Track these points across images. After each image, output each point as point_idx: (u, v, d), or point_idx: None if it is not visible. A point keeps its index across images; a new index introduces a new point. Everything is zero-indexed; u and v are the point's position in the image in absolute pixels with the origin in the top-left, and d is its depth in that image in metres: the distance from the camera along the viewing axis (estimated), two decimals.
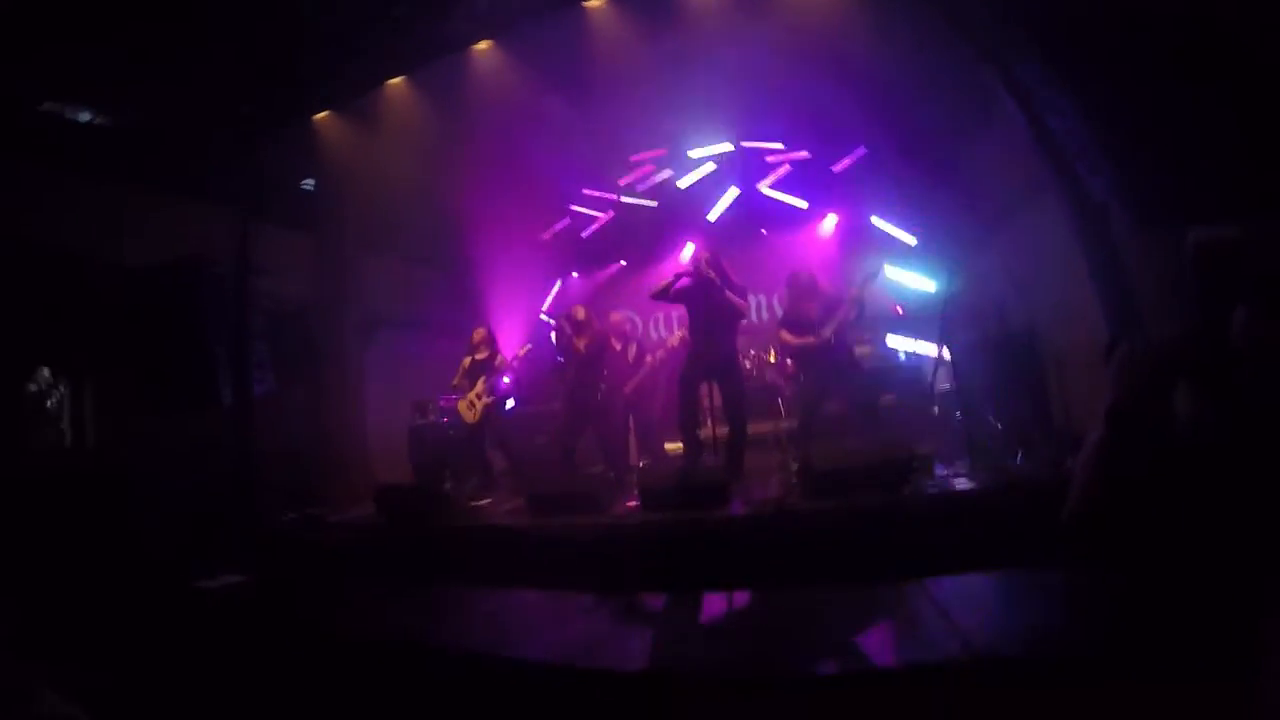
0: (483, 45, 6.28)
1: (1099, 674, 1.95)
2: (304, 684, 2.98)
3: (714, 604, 3.28)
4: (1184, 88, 3.45)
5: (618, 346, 6.23)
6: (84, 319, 5.67)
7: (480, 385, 6.26)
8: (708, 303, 5.11)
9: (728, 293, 5.07)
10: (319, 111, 6.80)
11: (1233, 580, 1.88)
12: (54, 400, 5.95)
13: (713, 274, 5.05)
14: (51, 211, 5.52)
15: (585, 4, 5.96)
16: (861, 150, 7.62)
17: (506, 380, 6.52)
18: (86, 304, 5.65)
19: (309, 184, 7.69)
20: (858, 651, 2.40)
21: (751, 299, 9.04)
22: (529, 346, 6.59)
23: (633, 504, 4.72)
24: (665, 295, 5.33)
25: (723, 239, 8.49)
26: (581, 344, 5.76)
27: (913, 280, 7.25)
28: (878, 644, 2.47)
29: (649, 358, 6.46)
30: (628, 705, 2.41)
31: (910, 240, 7.58)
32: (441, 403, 7.36)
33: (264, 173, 6.54)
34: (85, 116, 6.10)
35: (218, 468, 5.56)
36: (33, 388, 5.86)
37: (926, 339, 6.28)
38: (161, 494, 5.13)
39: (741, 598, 3.31)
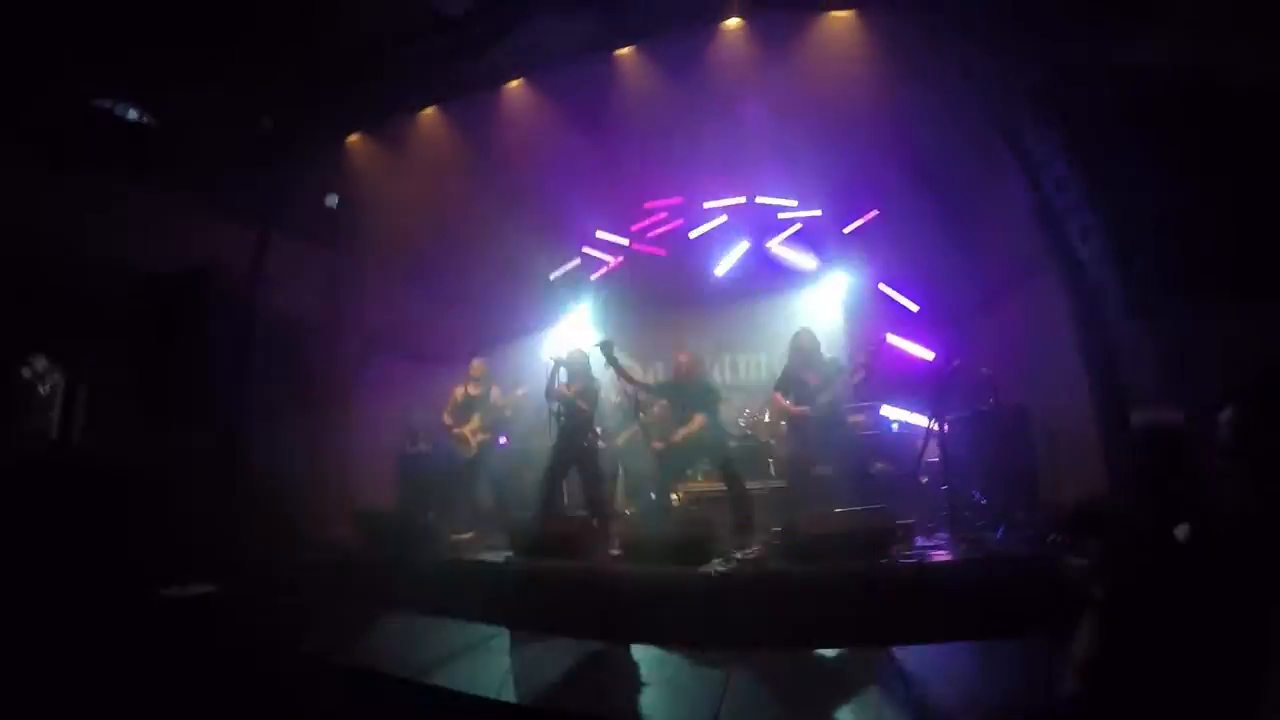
0: (514, 83, 6.53)
1: None
2: (255, 698, 2.95)
3: (681, 658, 3.26)
4: (1189, 178, 3.53)
5: (615, 399, 6.25)
6: (88, 317, 5.72)
7: (476, 420, 6.28)
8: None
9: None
10: (351, 133, 7.04)
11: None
12: (46, 388, 5.97)
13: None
14: (71, 211, 5.63)
15: (615, 52, 6.20)
16: (874, 213, 7.73)
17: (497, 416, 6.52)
18: (92, 302, 5.70)
19: (333, 200, 7.85)
20: (814, 714, 2.38)
21: (751, 357, 9.25)
22: (525, 390, 6.59)
23: (615, 553, 4.71)
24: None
25: (727, 295, 8.66)
26: (573, 390, 5.80)
27: (912, 350, 7.29)
28: (833, 708, 2.44)
29: (642, 414, 6.49)
30: None
31: (913, 308, 7.65)
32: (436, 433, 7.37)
33: (292, 186, 6.69)
34: (133, 115, 6.27)
35: (202, 476, 5.55)
36: (26, 373, 5.89)
37: (920, 410, 6.29)
38: (142, 497, 5.11)
39: (708, 655, 3.27)
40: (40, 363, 5.79)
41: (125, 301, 5.57)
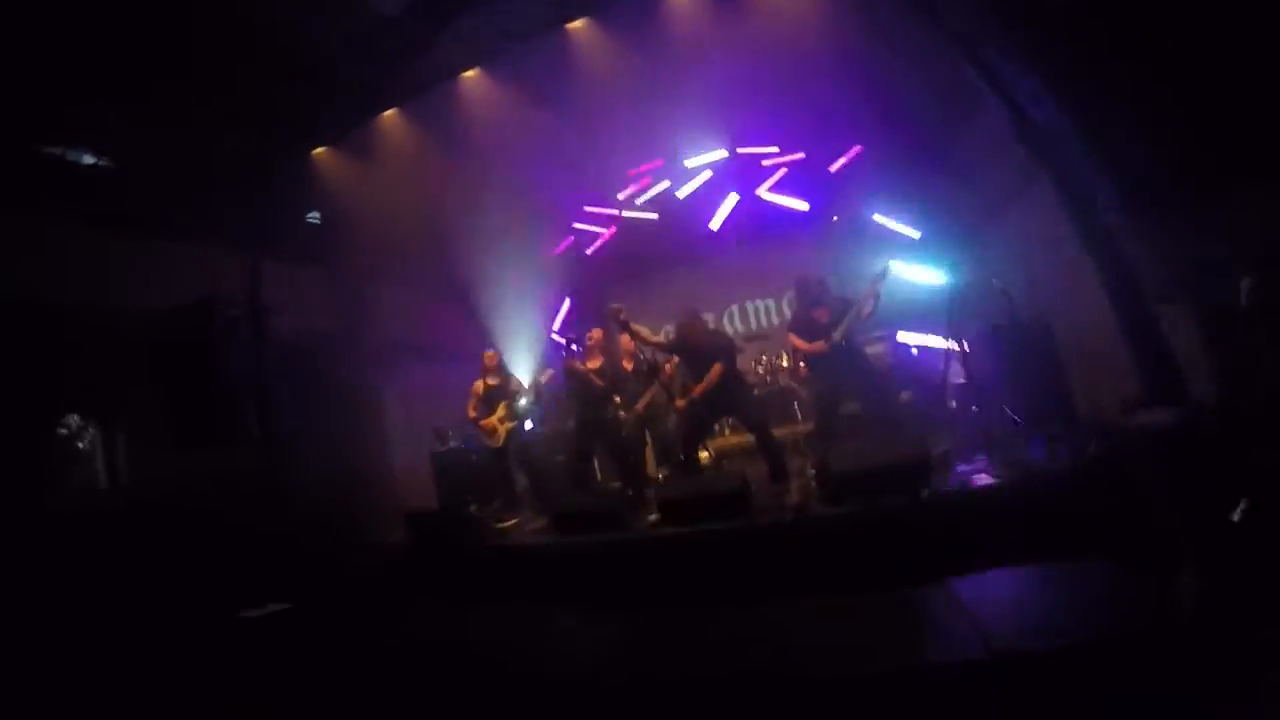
0: (470, 73, 6.41)
1: (1117, 665, 1.96)
2: (343, 703, 3.05)
3: (738, 613, 3.30)
4: (1160, 72, 3.47)
5: (629, 366, 6.25)
6: (107, 364, 5.79)
7: (501, 410, 6.33)
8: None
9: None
10: (315, 148, 6.96)
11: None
12: (85, 442, 6.10)
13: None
14: (64, 261, 5.64)
15: (568, 26, 6.06)
16: (858, 148, 7.64)
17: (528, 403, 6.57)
18: (108, 350, 5.77)
19: (314, 217, 7.82)
20: (880, 654, 2.41)
21: (760, 304, 9.23)
22: (550, 372, 6.60)
23: (654, 517, 4.76)
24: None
25: (727, 246, 8.61)
26: (593, 364, 5.82)
27: (921, 275, 7.23)
28: (900, 646, 2.46)
29: (660, 373, 6.49)
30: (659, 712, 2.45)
31: (914, 235, 7.57)
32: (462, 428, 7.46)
33: (269, 211, 6.65)
34: (88, 159, 6.23)
35: (252, 501, 5.67)
36: (63, 431, 6.01)
37: (938, 333, 6.26)
38: (200, 528, 5.26)
39: (765, 605, 3.32)
40: (73, 420, 5.90)
41: (140, 341, 5.61)
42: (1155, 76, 3.59)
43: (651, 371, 6.04)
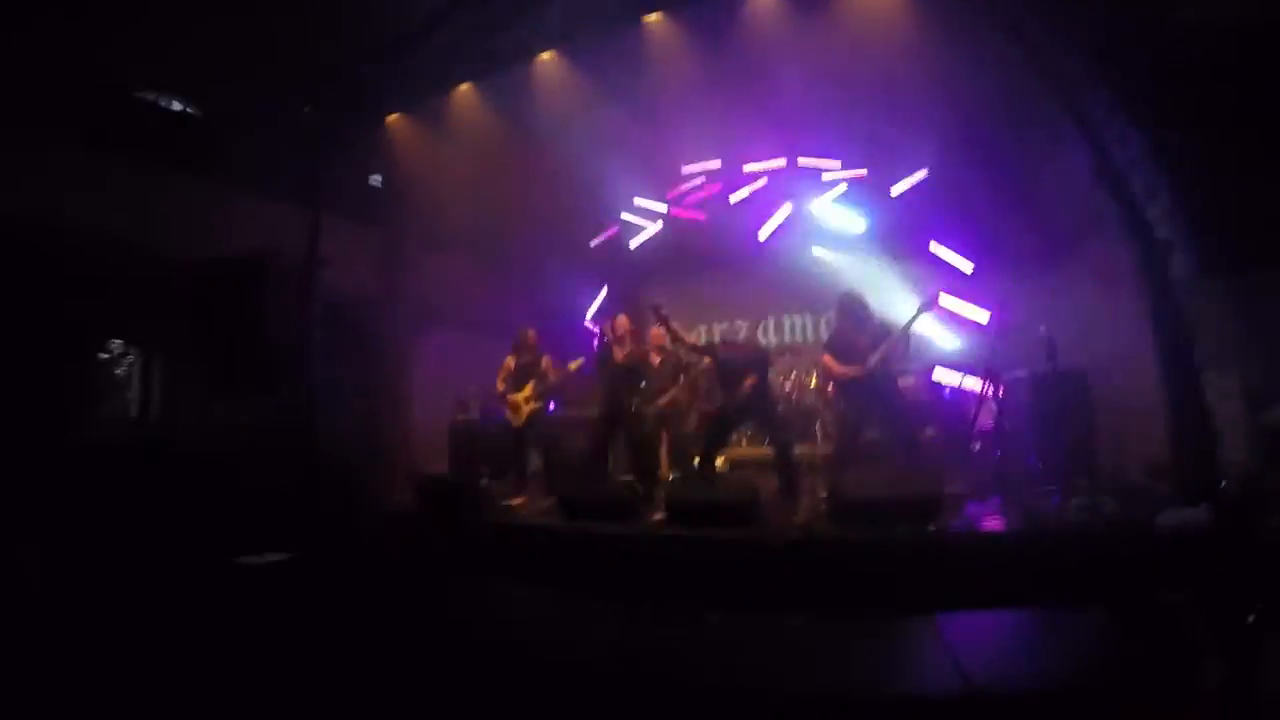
0: (546, 55, 6.50)
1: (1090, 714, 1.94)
2: (328, 661, 3.14)
3: (726, 620, 3.32)
4: (1254, 133, 3.35)
5: (656, 360, 6.26)
6: (157, 300, 6.04)
7: (529, 389, 6.40)
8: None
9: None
10: (391, 113, 7.13)
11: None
12: (123, 369, 6.35)
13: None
14: (130, 202, 5.93)
15: (645, 19, 6.10)
16: (923, 172, 7.49)
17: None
18: (160, 287, 6.01)
19: (376, 180, 8.02)
20: (857, 677, 2.41)
21: (797, 318, 9.15)
22: (581, 360, 6.65)
23: (660, 516, 4.78)
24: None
25: (773, 257, 8.54)
26: (621, 354, 5.85)
27: (966, 311, 7.08)
28: (877, 674, 2.46)
29: (683, 375, 6.49)
30: (623, 712, 2.49)
31: (967, 268, 7.40)
32: (487, 400, 7.57)
33: (337, 169, 6.85)
34: (177, 105, 6.52)
35: (275, 453, 5.85)
36: (104, 355, 6.27)
37: (974, 373, 6.13)
38: (220, 472, 5.44)
39: (755, 616, 3.33)
40: (116, 345, 6.16)
41: (192, 285, 5.83)
42: (1251, 142, 3.48)
43: (677, 370, 6.05)
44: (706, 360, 6.06)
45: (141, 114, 6.34)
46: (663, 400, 6.23)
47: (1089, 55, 4.20)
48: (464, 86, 6.88)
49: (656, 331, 6.43)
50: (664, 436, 6.50)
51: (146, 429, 6.06)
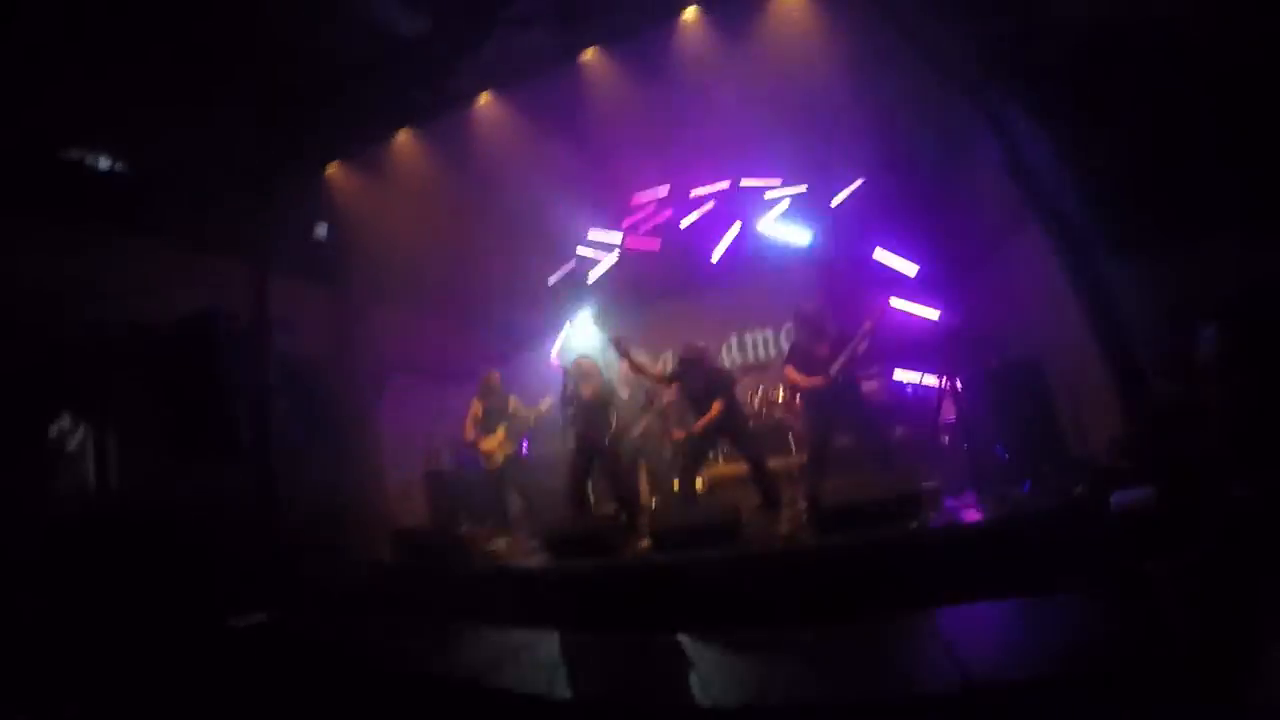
0: (484, 98, 6.58)
1: (1089, 697, 1.99)
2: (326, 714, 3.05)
3: (724, 640, 3.32)
4: (1154, 114, 3.59)
5: (625, 394, 6.30)
6: (105, 369, 5.81)
7: (501, 433, 6.35)
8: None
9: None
10: (328, 163, 7.09)
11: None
12: (74, 444, 6.08)
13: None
14: (68, 263, 5.70)
15: (580, 57, 6.26)
16: (859, 182, 7.77)
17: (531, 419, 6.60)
18: (106, 354, 5.79)
19: (322, 232, 7.93)
20: (857, 684, 2.44)
21: (759, 335, 9.31)
22: (551, 400, 6.63)
23: (646, 544, 4.78)
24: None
25: (728, 276, 8.71)
26: (589, 390, 5.87)
27: (917, 311, 7.32)
28: (878, 675, 2.50)
29: (654, 402, 6.54)
30: None
31: (911, 271, 7.66)
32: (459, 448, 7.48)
33: (276, 224, 6.75)
34: (104, 164, 6.33)
35: (243, 513, 5.66)
36: (53, 432, 6.00)
37: (932, 371, 6.33)
38: (189, 537, 5.25)
39: (751, 634, 3.34)
40: (64, 420, 5.90)
41: (138, 350, 5.65)
42: (1150, 119, 3.71)
43: (648, 399, 6.07)
44: (673, 386, 6.13)
45: (69, 174, 6.12)
46: (636, 431, 6.26)
47: (986, 54, 4.45)
48: (402, 134, 6.90)
49: (625, 364, 6.48)
50: (642, 465, 6.51)
51: (107, 501, 5.80)
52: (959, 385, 4.96)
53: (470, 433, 6.47)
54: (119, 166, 6.34)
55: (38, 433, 5.75)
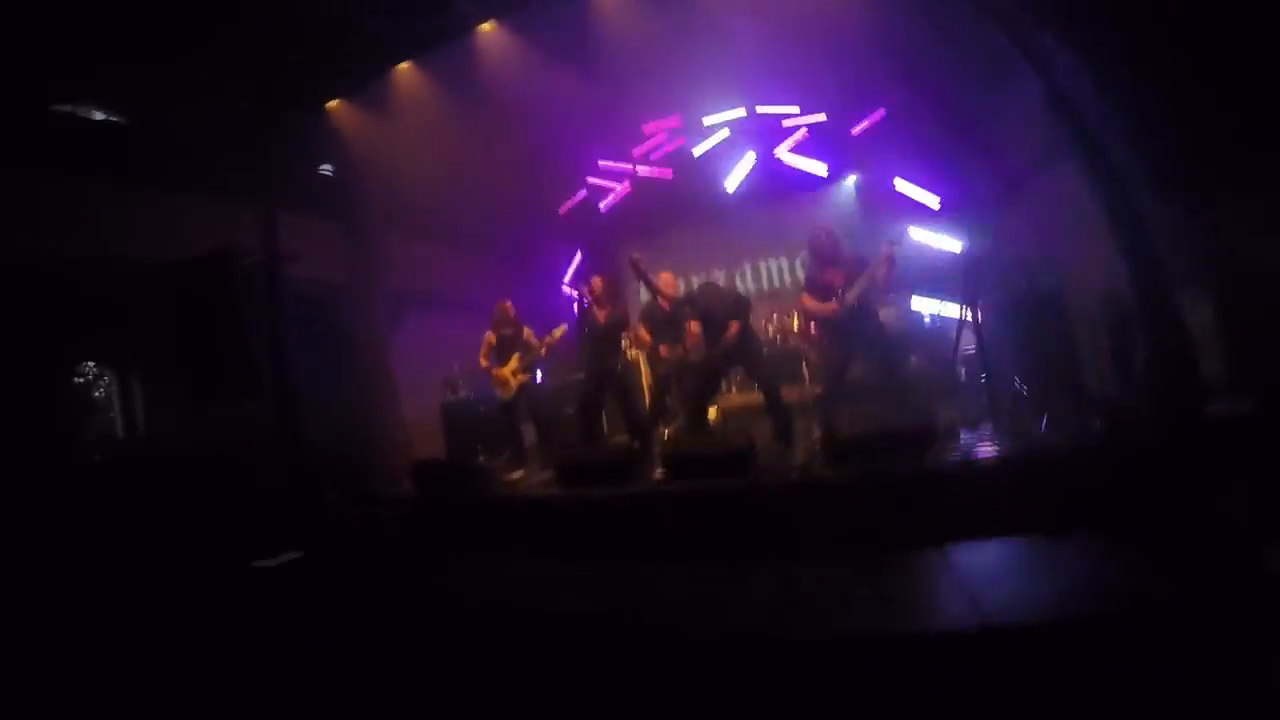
0: (487, 26, 6.25)
1: (1106, 639, 2.00)
2: (354, 649, 3.19)
3: (734, 570, 3.38)
4: (1200, 54, 3.36)
5: (665, 305, 6.14)
6: (123, 315, 5.86)
7: (514, 362, 6.35)
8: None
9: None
10: (329, 100, 6.86)
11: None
12: (101, 391, 6.22)
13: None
14: (79, 215, 5.68)
15: None
16: (880, 112, 7.47)
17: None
18: (123, 300, 5.83)
19: (327, 169, 7.78)
20: (873, 617, 2.47)
21: (773, 263, 9.16)
22: (564, 328, 6.59)
23: (659, 473, 4.83)
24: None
25: (742, 204, 8.50)
26: (601, 315, 5.82)
27: (938, 241, 7.14)
28: (891, 611, 2.52)
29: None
30: (652, 664, 2.55)
31: (934, 202, 7.44)
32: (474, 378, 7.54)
33: (280, 163, 6.61)
34: (99, 115, 6.20)
35: (266, 452, 5.79)
36: (79, 380, 6.11)
37: (952, 301, 6.21)
38: (213, 478, 5.39)
39: (762, 564, 3.40)
40: (89, 368, 6.00)
41: (155, 293, 5.66)
42: (1199, 62, 3.48)
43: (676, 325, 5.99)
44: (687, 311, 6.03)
45: (62, 127, 6.01)
46: (665, 350, 6.16)
47: None
48: (403, 66, 6.59)
49: (668, 275, 6.36)
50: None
51: (135, 445, 5.96)
52: (979, 317, 4.85)
53: (484, 361, 6.48)
54: (111, 117, 6.20)
55: (62, 381, 5.86)
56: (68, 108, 6.02)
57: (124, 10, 5.16)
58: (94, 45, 5.38)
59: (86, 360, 6.09)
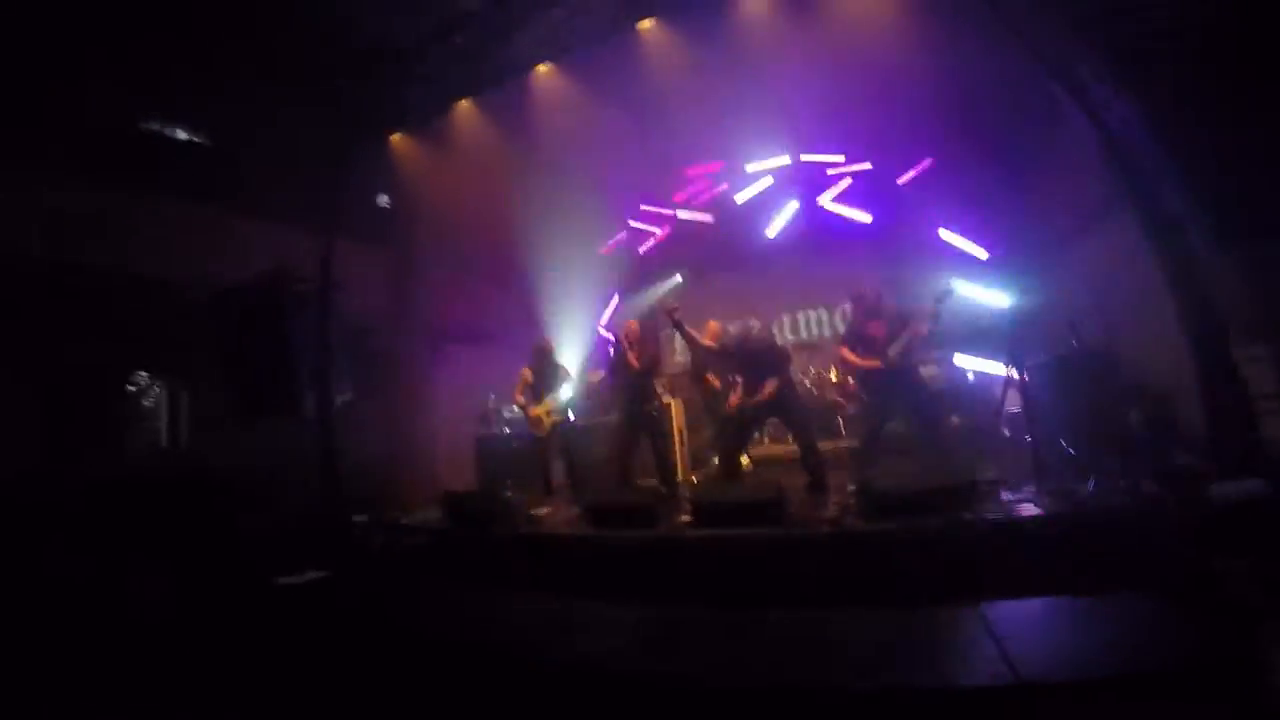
0: (543, 68, 6.52)
1: (1141, 697, 1.89)
2: (369, 674, 3.16)
3: (765, 619, 3.27)
4: (1260, 100, 3.28)
5: (679, 359, 6.21)
6: (178, 330, 6.11)
7: (549, 401, 6.40)
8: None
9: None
10: (392, 133, 7.20)
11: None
12: (150, 400, 6.44)
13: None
14: (146, 232, 5.99)
15: (639, 26, 6.12)
16: (928, 161, 7.45)
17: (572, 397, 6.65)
18: (180, 316, 6.08)
19: (384, 201, 8.10)
20: (903, 670, 2.37)
21: (812, 313, 9.10)
22: (602, 374, 6.65)
23: (686, 518, 4.75)
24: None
25: (783, 253, 8.51)
26: (635, 359, 5.84)
27: (984, 296, 7.00)
28: (923, 664, 2.42)
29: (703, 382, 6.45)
30: (668, 712, 2.46)
31: (981, 254, 7.33)
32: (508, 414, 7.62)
33: (343, 192, 6.91)
34: (182, 135, 6.61)
35: (303, 472, 5.89)
36: (131, 388, 6.35)
37: (996, 358, 6.04)
38: (252, 495, 5.50)
39: (792, 614, 3.28)
40: (142, 377, 6.24)
41: (210, 309, 5.89)
42: (1256, 106, 3.41)
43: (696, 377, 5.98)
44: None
45: (147, 145, 6.41)
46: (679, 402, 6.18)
47: (1078, 29, 4.14)
48: (464, 103, 6.93)
49: (713, 323, 6.40)
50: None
51: (176, 456, 6.14)
52: (1025, 375, 4.70)
53: (519, 397, 6.53)
54: (196, 138, 6.61)
55: (115, 390, 6.10)
56: (156, 126, 6.43)
57: (209, 34, 5.54)
58: (182, 71, 5.78)
59: (141, 370, 6.33)
